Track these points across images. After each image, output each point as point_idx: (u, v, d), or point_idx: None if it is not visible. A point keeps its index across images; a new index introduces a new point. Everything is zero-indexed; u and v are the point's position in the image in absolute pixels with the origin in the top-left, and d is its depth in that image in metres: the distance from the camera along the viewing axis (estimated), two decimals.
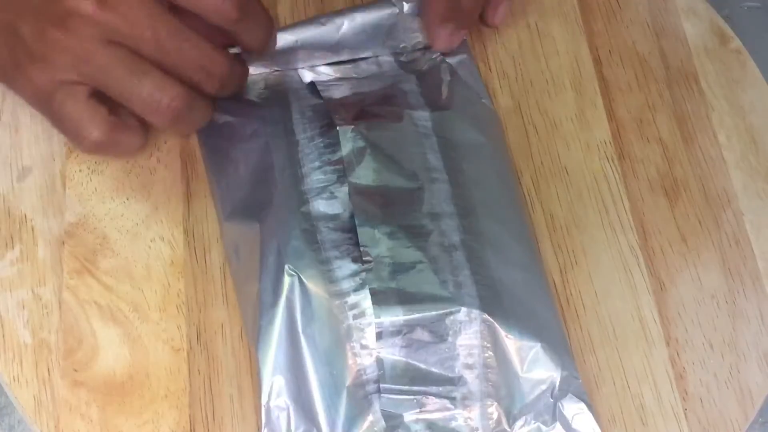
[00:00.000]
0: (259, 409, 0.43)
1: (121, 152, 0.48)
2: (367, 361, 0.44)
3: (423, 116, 0.50)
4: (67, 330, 0.47)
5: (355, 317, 0.44)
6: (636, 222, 0.51)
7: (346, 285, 0.44)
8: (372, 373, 0.44)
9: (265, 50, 0.48)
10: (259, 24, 0.47)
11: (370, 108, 0.50)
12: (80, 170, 0.50)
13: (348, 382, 0.43)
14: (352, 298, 0.44)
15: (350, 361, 0.44)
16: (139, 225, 0.49)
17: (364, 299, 0.44)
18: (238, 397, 0.46)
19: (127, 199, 0.50)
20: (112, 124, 0.45)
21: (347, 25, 0.52)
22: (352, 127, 0.47)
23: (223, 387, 0.46)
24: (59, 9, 0.44)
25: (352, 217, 0.46)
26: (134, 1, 0.43)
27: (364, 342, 0.44)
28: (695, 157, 0.53)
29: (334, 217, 0.46)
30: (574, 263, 0.50)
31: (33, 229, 0.49)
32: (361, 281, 0.44)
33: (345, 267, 0.45)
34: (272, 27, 0.48)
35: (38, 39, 0.44)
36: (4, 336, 0.47)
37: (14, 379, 0.46)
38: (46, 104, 0.45)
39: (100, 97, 0.45)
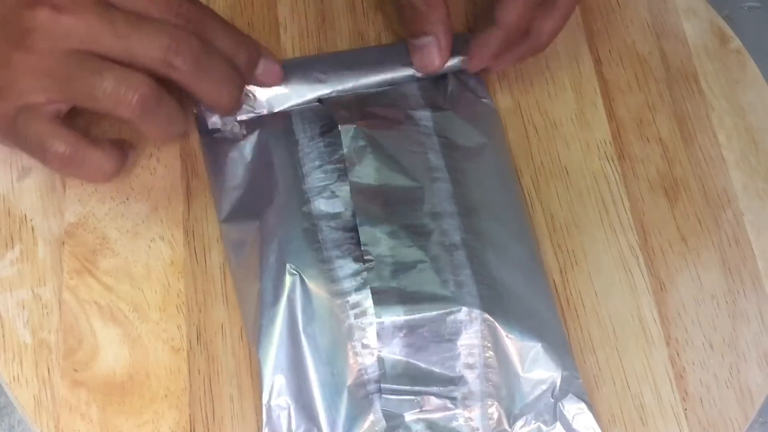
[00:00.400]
0: (260, 409, 0.43)
1: (91, 173, 0.46)
2: (368, 360, 0.44)
3: (424, 116, 0.50)
4: (67, 330, 0.47)
5: (356, 316, 0.44)
6: (636, 222, 0.51)
7: (348, 284, 0.44)
8: (373, 372, 0.44)
9: (228, 110, 0.48)
10: (216, 81, 0.46)
11: (371, 109, 0.50)
12: None
13: (349, 381, 0.43)
14: (353, 298, 0.44)
15: (351, 361, 0.44)
16: (139, 225, 0.49)
17: (366, 299, 0.44)
18: (238, 397, 0.46)
19: (127, 199, 0.50)
20: (78, 139, 0.45)
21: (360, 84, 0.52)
22: (354, 126, 0.47)
23: (223, 387, 0.46)
24: (18, 29, 0.44)
25: (353, 215, 0.46)
26: (88, 1, 0.43)
27: (365, 341, 0.44)
28: (695, 157, 0.53)
29: (335, 216, 0.46)
30: (574, 263, 0.50)
31: (33, 229, 0.49)
32: (362, 280, 0.44)
33: (346, 266, 0.45)
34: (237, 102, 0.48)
35: (0, 67, 0.44)
36: (4, 336, 0.47)
37: (14, 379, 0.46)
38: (9, 129, 0.45)
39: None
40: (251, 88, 0.50)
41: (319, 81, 0.51)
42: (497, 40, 0.50)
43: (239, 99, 0.48)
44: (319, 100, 0.51)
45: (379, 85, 0.51)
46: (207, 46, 0.45)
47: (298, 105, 0.51)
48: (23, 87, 0.44)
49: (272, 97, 0.50)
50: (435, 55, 0.51)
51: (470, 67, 0.52)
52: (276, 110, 0.50)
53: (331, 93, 0.51)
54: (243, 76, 0.48)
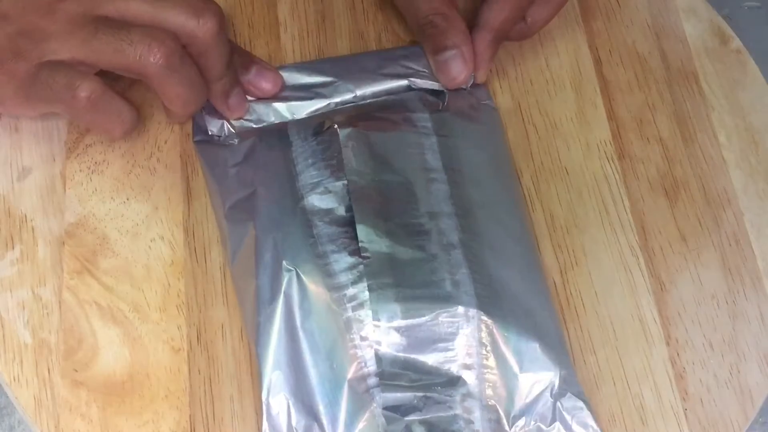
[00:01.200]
0: (260, 408, 0.44)
1: (112, 122, 0.48)
2: (367, 353, 0.44)
3: (422, 118, 0.50)
4: (67, 330, 0.47)
5: (353, 309, 0.44)
6: (636, 222, 0.51)
7: (344, 278, 0.44)
8: (372, 365, 0.44)
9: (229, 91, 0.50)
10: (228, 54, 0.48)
11: (369, 112, 0.50)
12: (80, 170, 0.50)
13: (349, 375, 0.43)
14: (350, 291, 0.44)
15: (350, 353, 0.44)
16: (139, 225, 0.49)
17: (362, 291, 0.44)
18: (239, 397, 0.46)
19: (127, 199, 0.50)
20: (104, 84, 0.46)
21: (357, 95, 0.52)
22: (352, 127, 0.48)
23: (224, 387, 0.46)
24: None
25: (347, 211, 0.46)
26: None
27: (363, 333, 0.44)
28: (695, 157, 0.53)
29: (328, 212, 0.46)
30: (574, 263, 0.50)
31: (33, 230, 0.49)
32: (358, 273, 0.44)
33: (342, 260, 0.45)
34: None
35: (22, 35, 0.45)
36: (4, 336, 0.47)
37: (14, 379, 0.46)
38: (30, 85, 0.46)
39: None
40: (250, 102, 0.51)
41: (317, 96, 0.51)
42: (486, 43, 0.51)
43: (238, 93, 0.50)
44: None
45: (377, 96, 0.52)
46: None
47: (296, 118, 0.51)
48: (47, 48, 0.45)
49: (270, 112, 0.51)
50: (461, 67, 0.51)
51: (479, 77, 0.52)
52: (274, 123, 0.51)
53: (329, 105, 0.51)
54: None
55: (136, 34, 0.45)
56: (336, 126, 0.48)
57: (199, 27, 0.46)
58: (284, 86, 0.51)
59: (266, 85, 0.51)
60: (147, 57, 0.44)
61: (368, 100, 0.51)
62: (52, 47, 0.45)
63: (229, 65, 0.49)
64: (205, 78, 0.48)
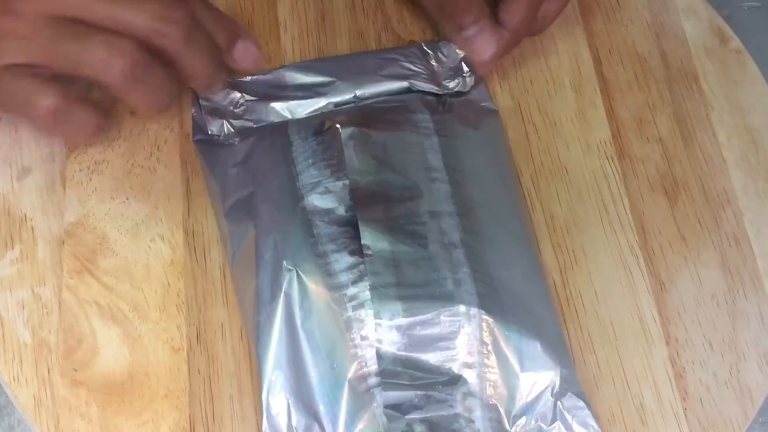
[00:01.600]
0: (260, 408, 0.43)
1: (75, 129, 0.47)
2: (368, 353, 0.44)
3: (424, 119, 0.50)
4: (66, 329, 0.47)
5: (354, 309, 0.44)
6: (636, 221, 0.51)
7: (344, 277, 0.44)
8: (373, 365, 0.43)
9: (210, 87, 0.49)
10: (204, 54, 0.46)
11: (370, 113, 0.50)
12: (80, 170, 0.50)
13: (349, 374, 0.43)
14: (350, 290, 0.44)
15: (351, 352, 0.44)
16: (138, 225, 0.49)
17: (363, 291, 0.44)
18: (238, 396, 0.46)
19: (127, 199, 0.50)
20: (64, 93, 0.45)
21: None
22: (353, 126, 0.48)
23: (223, 387, 0.46)
24: None
25: (347, 211, 0.46)
26: None
27: (364, 333, 0.44)
28: (695, 157, 0.53)
29: (329, 212, 0.46)
30: (574, 263, 0.50)
31: (33, 229, 0.49)
32: (359, 273, 0.44)
33: (342, 260, 0.45)
34: (214, 64, 0.48)
35: None
36: (3, 335, 0.47)
37: (14, 379, 0.46)
38: None
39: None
40: (250, 101, 0.51)
41: (317, 96, 0.51)
42: (504, 41, 0.51)
43: (219, 75, 0.49)
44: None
45: (377, 96, 0.52)
46: (193, 17, 0.45)
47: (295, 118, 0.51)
48: (5, 49, 0.44)
49: (270, 112, 0.51)
50: (488, 41, 0.51)
51: (478, 66, 0.52)
52: (274, 122, 0.51)
53: (328, 105, 0.51)
54: (222, 54, 0.49)
55: (98, 44, 0.43)
56: (338, 125, 0.48)
57: (164, 37, 0.44)
58: (262, 63, 0.51)
59: (248, 64, 0.50)
60: (109, 70, 0.43)
61: (368, 101, 0.52)
62: (11, 48, 0.44)
63: (211, 63, 0.47)
64: (184, 75, 0.47)
